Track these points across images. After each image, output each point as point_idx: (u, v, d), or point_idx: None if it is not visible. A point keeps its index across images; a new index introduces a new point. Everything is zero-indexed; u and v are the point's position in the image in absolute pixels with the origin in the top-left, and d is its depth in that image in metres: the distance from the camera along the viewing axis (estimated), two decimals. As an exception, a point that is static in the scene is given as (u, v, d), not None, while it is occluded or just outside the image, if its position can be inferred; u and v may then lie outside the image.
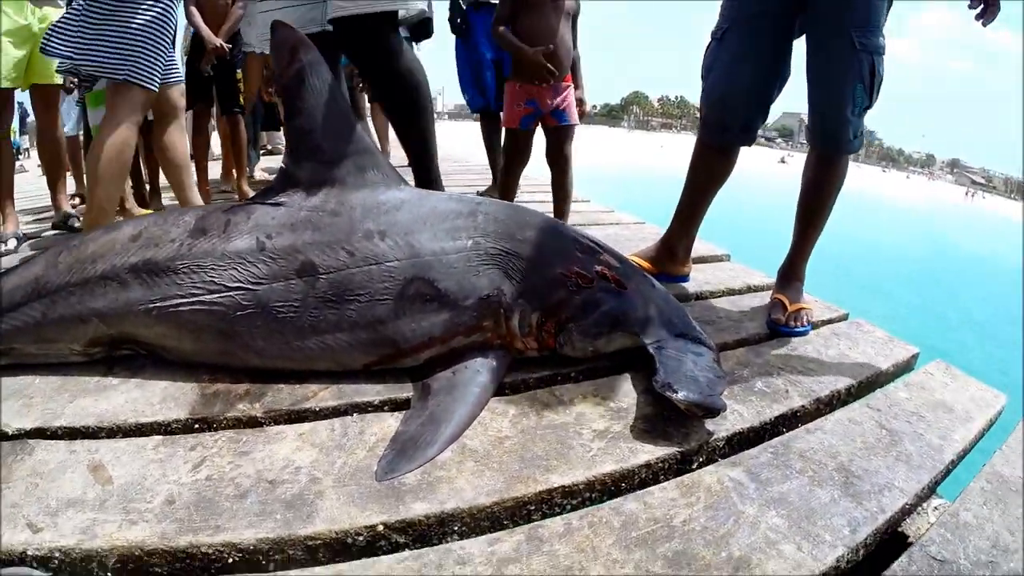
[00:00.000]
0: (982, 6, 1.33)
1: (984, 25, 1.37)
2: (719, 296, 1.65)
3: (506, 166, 2.12)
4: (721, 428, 0.95)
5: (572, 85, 2.02)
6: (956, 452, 1.01)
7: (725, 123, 1.55)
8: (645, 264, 1.69)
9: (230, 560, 0.69)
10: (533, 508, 0.78)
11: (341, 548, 0.70)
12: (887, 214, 19.77)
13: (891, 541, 0.83)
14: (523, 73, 1.96)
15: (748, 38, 1.47)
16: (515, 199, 2.23)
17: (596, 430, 0.92)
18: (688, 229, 1.71)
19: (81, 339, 1.04)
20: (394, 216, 1.02)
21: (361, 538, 0.71)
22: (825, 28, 1.36)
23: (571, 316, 1.05)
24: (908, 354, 1.40)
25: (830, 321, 1.54)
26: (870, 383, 1.26)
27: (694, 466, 0.89)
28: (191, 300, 0.99)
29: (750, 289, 1.71)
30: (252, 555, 0.69)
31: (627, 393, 1.04)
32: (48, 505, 0.74)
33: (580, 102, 2.12)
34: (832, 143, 1.40)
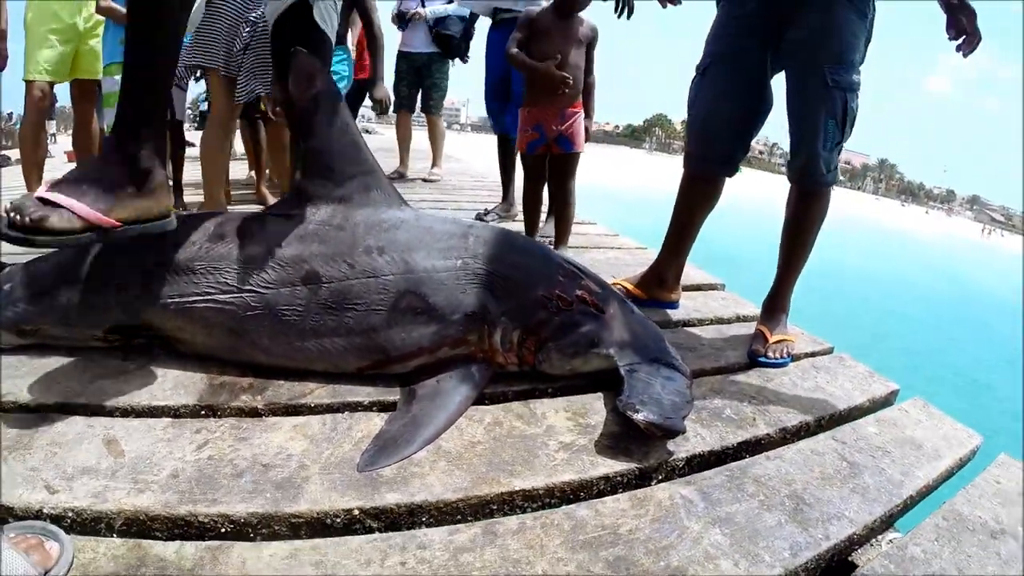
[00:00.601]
0: (962, 37, 1.36)
1: (964, 56, 1.40)
2: (707, 324, 1.71)
3: (524, 188, 2.22)
4: (682, 449, 1.02)
5: (580, 112, 2.09)
6: (917, 488, 1.05)
7: (707, 155, 1.64)
8: (634, 290, 1.76)
9: (222, 530, 0.78)
10: (495, 507, 0.85)
11: (321, 527, 0.79)
12: (901, 248, 19.52)
13: (838, 570, 0.88)
14: (534, 96, 2.04)
15: (728, 74, 1.56)
16: (540, 216, 2.32)
17: (562, 442, 1.00)
18: (677, 256, 1.78)
19: (102, 326, 1.15)
20: (393, 234, 1.12)
21: (339, 520, 0.80)
22: (800, 65, 1.44)
23: (550, 335, 1.13)
24: (887, 390, 1.43)
25: (813, 354, 1.58)
26: (842, 417, 1.30)
27: (652, 483, 0.96)
28: (206, 298, 1.09)
29: (739, 319, 1.77)
30: (242, 527, 0.78)
31: (598, 411, 1.11)
32: (64, 471, 0.84)
33: (587, 128, 2.19)
34: (808, 177, 1.47)
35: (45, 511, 0.77)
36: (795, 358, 1.52)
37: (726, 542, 0.82)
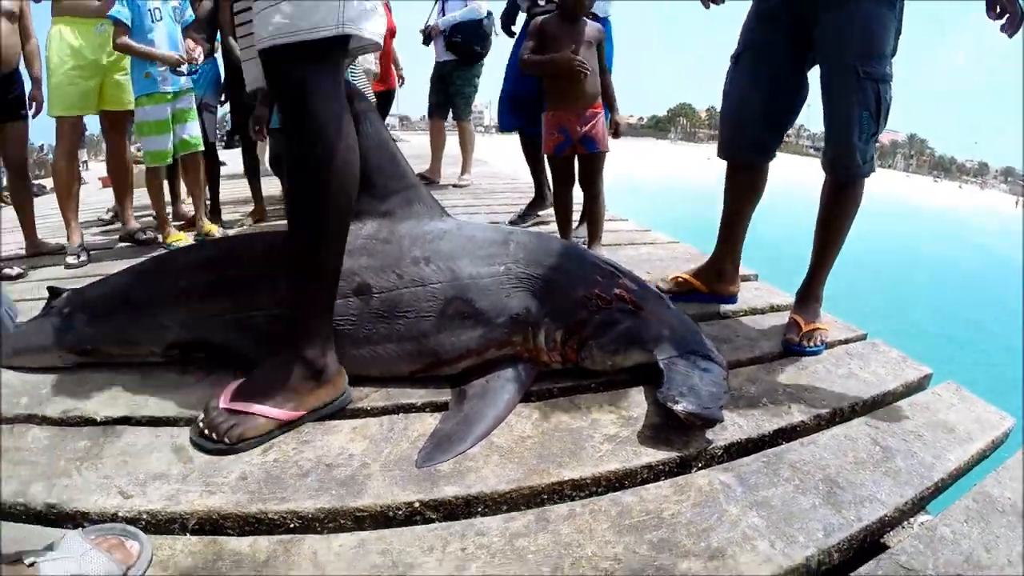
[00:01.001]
0: (1006, 16, 1.32)
1: (1010, 36, 1.37)
2: (741, 315, 1.74)
3: (554, 190, 2.29)
4: (720, 437, 1.07)
5: (601, 112, 2.14)
6: (948, 471, 1.07)
7: (740, 142, 1.69)
8: (695, 283, 1.81)
9: (291, 525, 0.86)
10: (546, 496, 0.92)
11: (384, 519, 0.87)
12: (933, 224, 18.84)
13: (870, 551, 0.91)
14: (555, 98, 2.10)
15: (758, 65, 1.60)
16: (573, 217, 2.36)
17: (607, 434, 1.05)
18: (731, 247, 1.81)
19: (161, 344, 1.26)
20: (437, 244, 1.20)
21: (401, 512, 0.87)
22: (832, 58, 1.45)
23: (591, 334, 1.19)
24: (920, 374, 1.43)
25: (846, 341, 1.59)
26: (875, 402, 1.32)
27: (692, 470, 1.01)
28: (264, 312, 1.18)
29: (772, 309, 1.79)
30: (310, 522, 0.86)
31: (639, 404, 1.16)
32: (137, 477, 0.93)
33: (614, 122, 2.25)
34: (842, 169, 1.48)
35: (120, 514, 0.86)
36: (829, 345, 1.54)
37: (763, 524, 0.86)
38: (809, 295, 1.62)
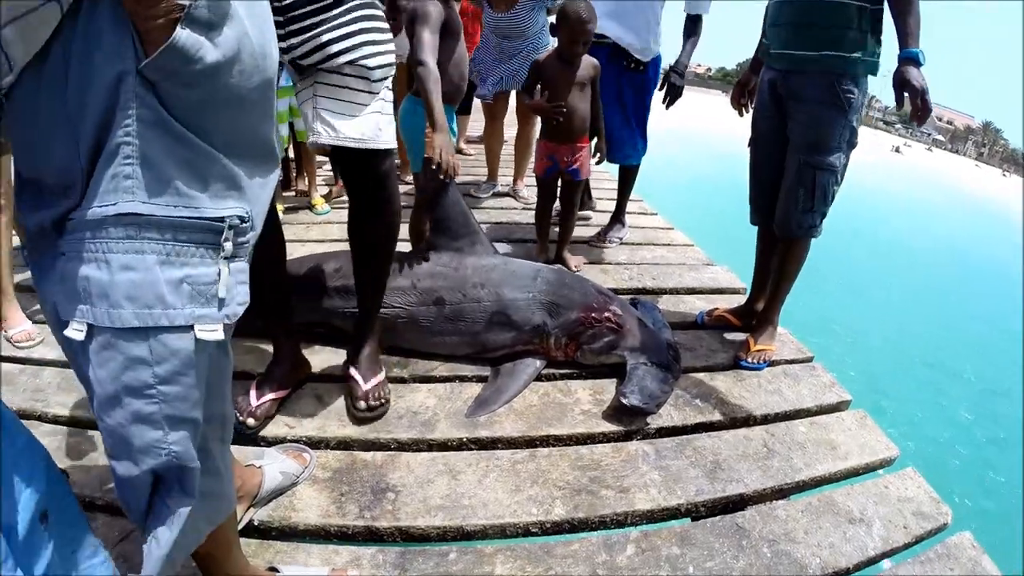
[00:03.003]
0: (910, 109, 1.60)
1: (919, 125, 1.70)
2: (710, 328, 2.22)
3: (537, 205, 2.64)
4: (656, 422, 1.64)
5: (587, 145, 2.48)
6: (811, 477, 1.48)
7: (761, 212, 2.05)
8: (734, 320, 2.20)
9: (392, 447, 1.50)
10: (538, 443, 1.55)
11: (445, 446, 1.51)
12: (995, 225, 17.54)
13: (734, 509, 1.39)
14: (548, 133, 2.45)
15: (767, 148, 1.97)
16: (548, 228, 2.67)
17: (583, 409, 1.66)
18: (763, 289, 2.16)
19: (301, 321, 1.82)
20: (489, 274, 1.81)
21: (454, 443, 1.52)
22: (791, 146, 1.86)
23: (585, 342, 1.79)
24: (839, 399, 1.82)
25: (791, 361, 2.03)
26: (786, 415, 1.73)
27: (631, 440, 1.60)
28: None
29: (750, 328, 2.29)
30: (405, 444, 1.51)
31: (610, 392, 1.74)
32: (295, 415, 1.55)
33: (599, 150, 2.53)
34: (782, 229, 1.91)
35: (288, 438, 1.46)
36: (775, 363, 1.98)
37: (659, 479, 1.44)
38: (762, 320, 2.05)
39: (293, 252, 2.50)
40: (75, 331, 0.58)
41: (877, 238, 10.38)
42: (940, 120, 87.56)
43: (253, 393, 1.51)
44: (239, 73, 0.60)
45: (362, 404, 1.54)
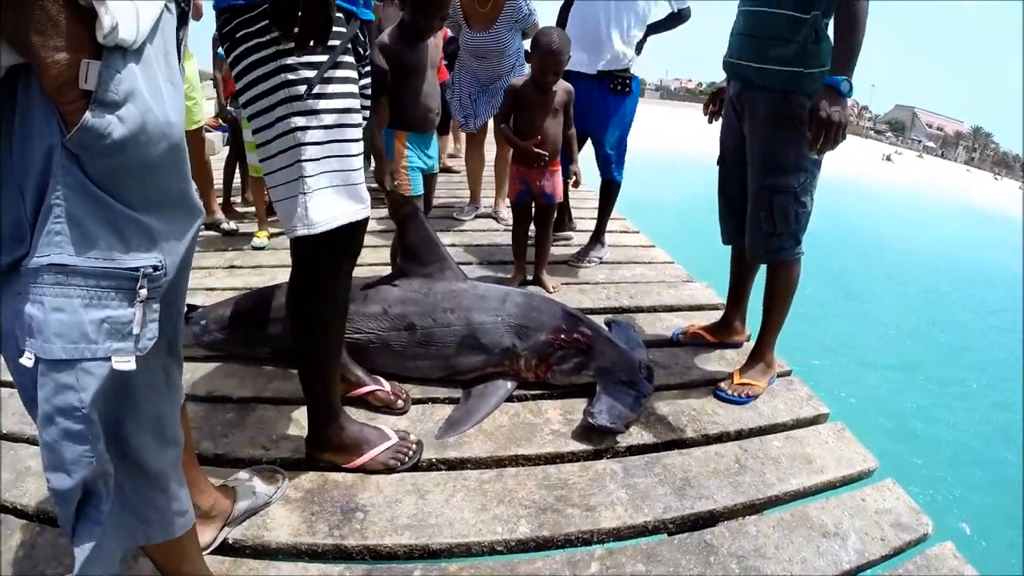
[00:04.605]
0: (810, 137, 1.53)
1: (818, 155, 1.62)
2: (686, 345, 2.24)
3: (513, 229, 2.71)
4: (625, 440, 1.66)
5: (559, 169, 2.56)
6: (785, 491, 1.47)
7: (732, 232, 2.05)
8: (709, 337, 2.21)
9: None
10: (506, 463, 1.56)
11: (413, 468, 1.51)
12: (988, 227, 17.57)
13: (704, 526, 1.38)
14: (520, 159, 2.53)
15: (733, 165, 1.95)
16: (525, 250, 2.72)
17: (553, 429, 1.69)
18: (737, 306, 2.19)
19: (274, 347, 1.90)
20: (459, 299, 1.85)
21: (424, 463, 1.54)
22: (749, 169, 1.85)
23: (555, 362, 1.82)
24: (816, 412, 1.80)
25: None
26: (761, 431, 1.71)
27: (601, 459, 1.62)
28: (346, 337, 1.82)
29: (722, 344, 2.30)
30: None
31: (580, 411, 1.75)
32: (271, 437, 1.57)
33: (575, 173, 2.61)
34: (751, 253, 1.91)
35: (264, 460, 1.48)
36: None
37: (626, 497, 1.44)
38: (756, 357, 1.94)
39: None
40: (27, 359, 0.69)
41: (869, 245, 10.44)
42: (930, 127, 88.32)
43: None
44: (146, 142, 0.70)
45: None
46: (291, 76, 1.10)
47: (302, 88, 1.11)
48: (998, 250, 13.42)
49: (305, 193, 1.16)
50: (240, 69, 1.14)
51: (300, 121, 1.13)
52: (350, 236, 1.26)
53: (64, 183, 0.67)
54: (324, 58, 1.12)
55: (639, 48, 2.91)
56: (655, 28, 2.99)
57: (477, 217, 3.80)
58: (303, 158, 1.15)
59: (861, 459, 1.63)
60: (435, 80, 2.22)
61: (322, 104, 1.14)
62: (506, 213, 3.62)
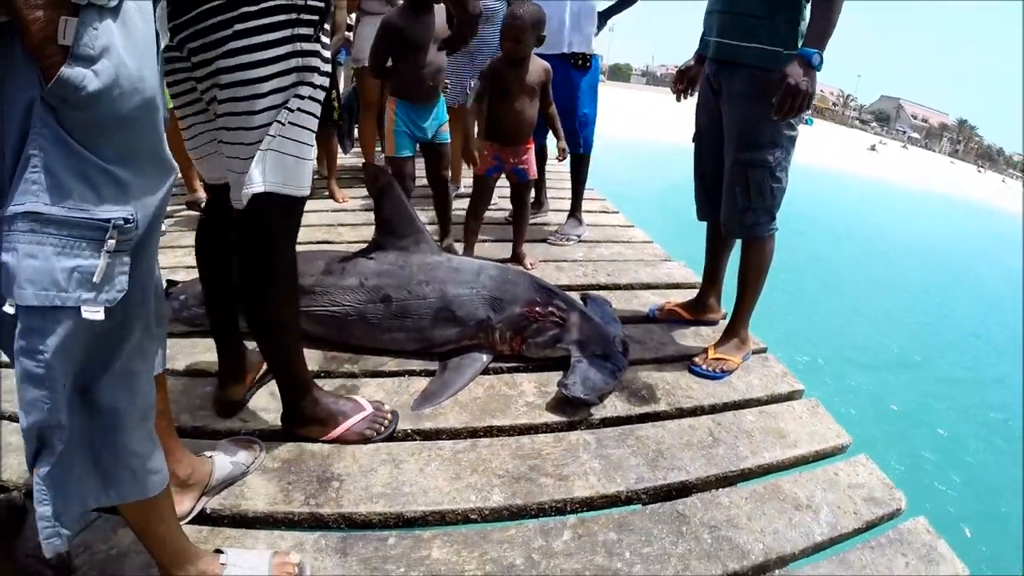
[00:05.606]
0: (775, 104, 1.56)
1: (780, 119, 1.62)
2: (662, 321, 2.25)
3: (471, 204, 2.65)
4: (600, 412, 1.67)
5: (532, 146, 2.57)
6: (757, 464, 1.47)
7: (706, 208, 2.08)
8: (684, 314, 2.23)
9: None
10: (481, 434, 1.57)
11: (388, 439, 1.52)
12: (971, 217, 17.91)
13: (677, 496, 1.39)
14: (493, 136, 2.50)
15: (708, 142, 1.97)
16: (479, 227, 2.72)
17: (527, 401, 1.69)
18: (713, 285, 2.21)
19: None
20: (434, 272, 1.84)
21: (400, 434, 1.54)
22: (726, 144, 1.85)
23: (530, 335, 1.82)
24: (791, 389, 1.81)
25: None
26: (736, 405, 1.72)
27: (575, 430, 1.63)
28: (323, 309, 1.84)
29: (696, 321, 2.33)
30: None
31: (554, 384, 1.74)
32: (248, 410, 1.56)
33: (562, 151, 2.65)
34: (726, 227, 1.92)
35: (243, 431, 1.47)
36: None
37: (599, 467, 1.45)
38: (731, 332, 1.97)
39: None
40: (9, 307, 0.71)
41: (852, 233, 10.53)
42: (915, 118, 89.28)
43: None
44: (119, 96, 0.73)
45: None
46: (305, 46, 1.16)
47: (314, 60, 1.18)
48: (981, 240, 13.69)
49: (268, 154, 1.19)
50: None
51: (305, 91, 1.19)
52: (295, 205, 1.29)
53: (42, 134, 0.70)
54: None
55: (600, 28, 3.08)
56: (609, 12, 3.13)
57: (457, 196, 3.77)
58: (283, 123, 1.18)
59: (835, 435, 1.64)
60: (440, 56, 2.24)
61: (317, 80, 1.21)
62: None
